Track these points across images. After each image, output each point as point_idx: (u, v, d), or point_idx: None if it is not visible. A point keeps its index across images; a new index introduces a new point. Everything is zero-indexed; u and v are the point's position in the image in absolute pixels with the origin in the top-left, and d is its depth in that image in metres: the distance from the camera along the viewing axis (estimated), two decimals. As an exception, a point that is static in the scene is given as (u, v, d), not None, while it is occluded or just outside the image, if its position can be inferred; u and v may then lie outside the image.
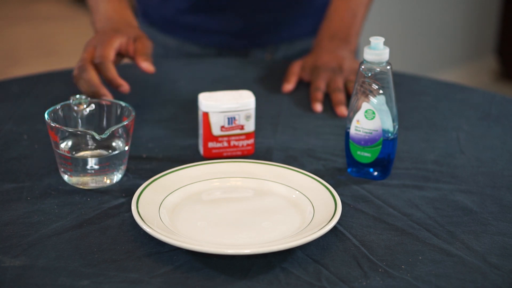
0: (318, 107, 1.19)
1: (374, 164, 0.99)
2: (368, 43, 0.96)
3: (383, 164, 0.99)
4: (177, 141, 1.09)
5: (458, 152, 1.08)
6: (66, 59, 3.61)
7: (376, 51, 0.95)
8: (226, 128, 1.03)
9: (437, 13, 3.10)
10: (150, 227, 0.83)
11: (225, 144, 1.04)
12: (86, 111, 1.01)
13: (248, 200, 0.94)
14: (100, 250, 0.83)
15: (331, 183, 0.96)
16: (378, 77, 0.95)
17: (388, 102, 0.96)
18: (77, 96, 1.00)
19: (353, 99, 0.98)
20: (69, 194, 0.94)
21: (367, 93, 0.96)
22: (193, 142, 1.09)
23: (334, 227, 0.87)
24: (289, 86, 1.26)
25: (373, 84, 0.95)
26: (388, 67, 0.96)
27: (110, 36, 1.14)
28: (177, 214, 0.90)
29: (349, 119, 0.99)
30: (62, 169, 0.96)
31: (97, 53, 1.11)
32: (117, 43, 1.13)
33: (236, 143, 1.04)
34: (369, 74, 0.95)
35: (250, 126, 1.04)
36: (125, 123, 0.95)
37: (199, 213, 0.90)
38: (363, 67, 0.96)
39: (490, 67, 3.38)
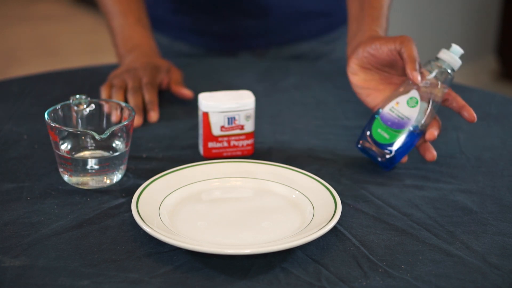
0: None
1: (386, 146, 0.99)
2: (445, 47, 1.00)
3: (399, 154, 0.99)
4: (177, 141, 1.10)
5: (458, 152, 1.08)
6: (66, 59, 3.61)
7: (455, 56, 0.98)
8: (226, 128, 1.03)
9: (437, 13, 3.10)
10: (150, 227, 0.83)
11: (225, 144, 1.04)
12: (86, 111, 1.01)
13: (248, 200, 0.94)
14: (100, 250, 0.83)
15: (331, 183, 0.96)
16: (445, 79, 0.98)
17: (438, 105, 0.99)
18: (77, 96, 1.00)
19: (405, 83, 1.00)
20: (69, 194, 0.94)
21: (428, 86, 0.98)
22: (193, 142, 1.09)
23: (334, 227, 0.87)
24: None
25: (440, 83, 0.98)
26: (453, 74, 0.99)
27: (152, 76, 1.19)
28: (177, 214, 0.90)
29: (388, 98, 1.01)
30: (62, 169, 0.96)
31: (146, 98, 1.16)
32: (159, 82, 1.20)
33: (236, 143, 1.04)
34: (435, 72, 0.98)
35: (250, 126, 1.04)
36: (125, 123, 0.95)
37: (199, 213, 0.90)
38: (438, 64, 0.98)
39: (490, 67, 3.38)
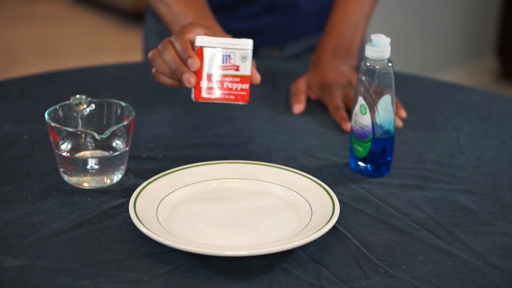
0: (349, 125, 1.13)
1: (365, 159, 0.99)
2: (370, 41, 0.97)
3: (375, 161, 0.99)
4: (177, 141, 1.10)
5: (458, 152, 1.08)
6: (66, 59, 3.61)
7: (377, 48, 0.95)
8: (220, 66, 0.98)
9: (437, 13, 3.10)
10: (149, 229, 0.83)
11: (218, 84, 0.99)
12: (86, 111, 1.01)
13: (246, 201, 0.93)
14: (100, 250, 0.83)
15: (331, 183, 0.96)
16: (381, 75, 0.96)
17: (392, 102, 0.97)
18: (77, 96, 1.00)
19: (355, 93, 0.99)
20: (69, 194, 0.94)
21: (363, 89, 0.97)
22: (193, 142, 1.09)
23: (334, 227, 0.87)
24: (301, 107, 1.20)
25: (373, 82, 0.96)
26: (390, 64, 0.96)
27: (193, 23, 1.03)
28: (175, 215, 0.90)
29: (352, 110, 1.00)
30: (62, 169, 0.96)
31: (174, 33, 1.02)
32: (200, 30, 1.02)
33: (230, 85, 0.99)
34: (364, 69, 0.96)
35: (245, 69, 0.99)
36: (125, 123, 0.95)
37: (197, 214, 0.90)
38: (365, 63, 0.96)
39: (490, 67, 3.38)
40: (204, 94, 0.98)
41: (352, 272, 0.79)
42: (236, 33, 1.43)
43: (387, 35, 0.96)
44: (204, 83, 0.98)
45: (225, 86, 0.98)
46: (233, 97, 0.99)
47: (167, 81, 1.02)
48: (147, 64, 1.44)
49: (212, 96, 0.98)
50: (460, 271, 0.80)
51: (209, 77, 0.98)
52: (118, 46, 3.81)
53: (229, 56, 0.98)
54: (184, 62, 0.98)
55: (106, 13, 4.27)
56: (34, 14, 4.29)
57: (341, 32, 1.29)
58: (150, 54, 1.03)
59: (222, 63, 0.98)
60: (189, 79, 0.97)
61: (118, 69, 1.40)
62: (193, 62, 0.97)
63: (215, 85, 0.98)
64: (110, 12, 4.25)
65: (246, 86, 0.99)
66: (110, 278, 0.78)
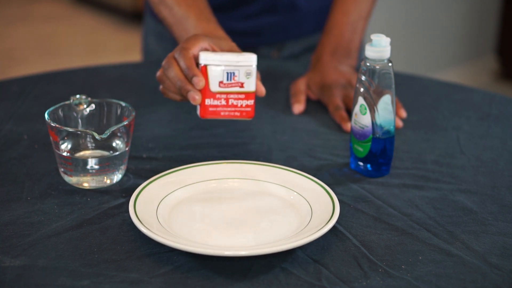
0: (349, 125, 1.13)
1: (365, 159, 0.99)
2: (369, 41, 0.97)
3: (375, 161, 0.99)
4: (177, 141, 1.10)
5: (458, 152, 1.08)
6: (66, 59, 3.61)
7: (377, 48, 0.95)
8: (225, 84, 0.98)
9: (438, 13, 3.10)
10: (149, 229, 0.83)
11: (223, 102, 0.99)
12: (86, 111, 1.01)
13: (246, 201, 0.94)
14: (100, 250, 0.83)
15: (331, 183, 0.96)
16: (381, 75, 0.96)
17: (392, 102, 0.97)
18: (77, 96, 1.00)
19: (355, 93, 0.99)
20: (69, 194, 0.94)
21: (363, 89, 0.97)
22: (193, 142, 1.09)
23: (334, 227, 0.87)
24: (300, 107, 1.21)
25: (373, 82, 0.96)
26: (390, 64, 0.96)
27: (197, 36, 1.05)
28: (175, 215, 0.90)
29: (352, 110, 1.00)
30: (62, 169, 0.96)
31: (178, 47, 1.03)
32: (204, 42, 1.03)
33: (235, 102, 0.99)
34: (364, 69, 0.96)
35: (250, 85, 0.99)
36: (125, 123, 0.95)
37: (197, 214, 0.90)
38: (365, 63, 0.96)
39: (490, 67, 3.38)
40: (209, 111, 0.99)
41: (352, 272, 0.79)
42: (236, 33, 1.43)
43: (387, 35, 0.96)
44: (209, 101, 0.98)
45: (230, 103, 0.99)
46: (238, 113, 0.99)
47: (176, 97, 1.03)
48: (147, 64, 1.45)
49: (217, 114, 0.99)
50: (460, 271, 0.80)
51: (214, 94, 0.98)
52: (118, 46, 3.81)
53: (233, 73, 0.98)
54: (189, 80, 0.99)
55: (106, 13, 4.27)
56: (34, 14, 4.29)
57: (340, 32, 1.29)
58: (158, 73, 1.03)
59: (227, 80, 0.98)
60: (194, 97, 0.97)
61: (118, 69, 1.40)
62: (198, 81, 0.97)
63: (220, 102, 0.98)
64: (110, 12, 4.25)
65: (251, 102, 0.99)
66: (110, 278, 0.78)
